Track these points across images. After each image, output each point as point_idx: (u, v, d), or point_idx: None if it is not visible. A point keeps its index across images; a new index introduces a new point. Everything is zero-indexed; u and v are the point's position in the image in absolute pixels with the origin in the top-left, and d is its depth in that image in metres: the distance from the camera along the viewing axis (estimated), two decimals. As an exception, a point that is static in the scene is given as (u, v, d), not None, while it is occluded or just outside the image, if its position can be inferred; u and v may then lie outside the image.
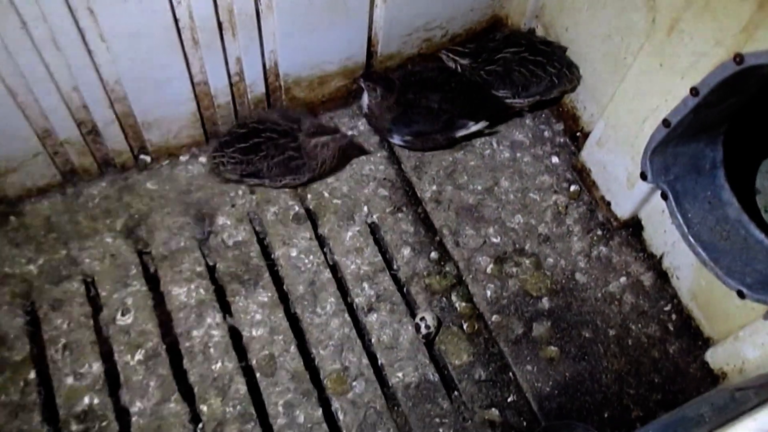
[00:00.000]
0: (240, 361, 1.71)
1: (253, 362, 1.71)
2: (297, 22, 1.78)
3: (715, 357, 1.76)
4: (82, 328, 1.70)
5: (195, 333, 1.73)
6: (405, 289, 1.88)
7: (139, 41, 1.60)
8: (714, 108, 1.63)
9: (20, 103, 1.61)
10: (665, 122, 1.66)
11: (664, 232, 1.85)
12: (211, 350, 1.71)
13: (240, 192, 1.94)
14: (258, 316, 1.77)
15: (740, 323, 1.66)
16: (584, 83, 2.06)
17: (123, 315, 1.72)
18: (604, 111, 1.88)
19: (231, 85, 1.85)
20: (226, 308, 1.78)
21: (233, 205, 1.91)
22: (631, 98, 1.76)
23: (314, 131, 1.83)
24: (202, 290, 1.78)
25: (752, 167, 2.17)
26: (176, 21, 1.61)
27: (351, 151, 2.03)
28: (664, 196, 1.80)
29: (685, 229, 1.77)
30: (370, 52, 2.03)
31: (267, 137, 1.83)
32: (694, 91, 1.56)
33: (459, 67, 2.05)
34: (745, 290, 1.65)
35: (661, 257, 1.92)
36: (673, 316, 1.85)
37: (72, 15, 1.47)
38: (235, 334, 1.75)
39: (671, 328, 1.84)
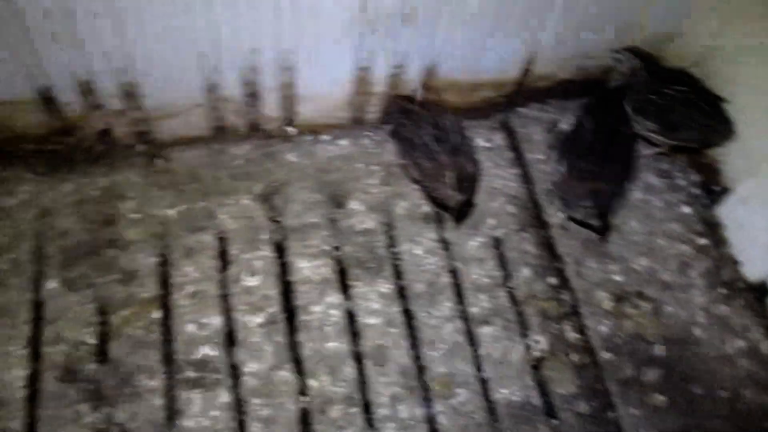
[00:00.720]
0: (353, 345, 1.73)
1: (366, 348, 1.73)
2: (467, 27, 1.80)
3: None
4: (210, 281, 1.75)
5: (314, 308, 1.75)
6: (521, 309, 1.87)
7: (320, 17, 1.64)
8: None
9: (200, 54, 1.66)
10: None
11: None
12: (328, 328, 1.73)
13: (377, 181, 1.96)
14: (376, 305, 1.79)
15: None
16: (736, 138, 2.01)
17: (250, 276, 1.76)
18: (753, 169, 1.84)
19: (392, 76, 1.88)
20: (346, 291, 1.81)
21: (367, 192, 1.94)
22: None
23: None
24: (326, 268, 1.81)
25: None
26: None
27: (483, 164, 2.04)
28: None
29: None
30: (525, 70, 2.04)
31: None
32: None
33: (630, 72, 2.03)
34: None
35: (783, 328, 1.87)
36: (789, 391, 1.80)
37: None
38: (351, 318, 1.77)
39: (783, 398, 1.79)
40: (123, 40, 1.59)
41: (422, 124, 1.88)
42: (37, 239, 1.75)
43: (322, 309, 1.75)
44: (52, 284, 1.70)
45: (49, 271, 1.71)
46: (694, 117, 1.96)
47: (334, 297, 1.78)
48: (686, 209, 2.07)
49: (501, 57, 1.95)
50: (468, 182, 1.89)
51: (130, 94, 1.75)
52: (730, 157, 2.04)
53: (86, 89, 1.71)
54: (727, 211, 1.96)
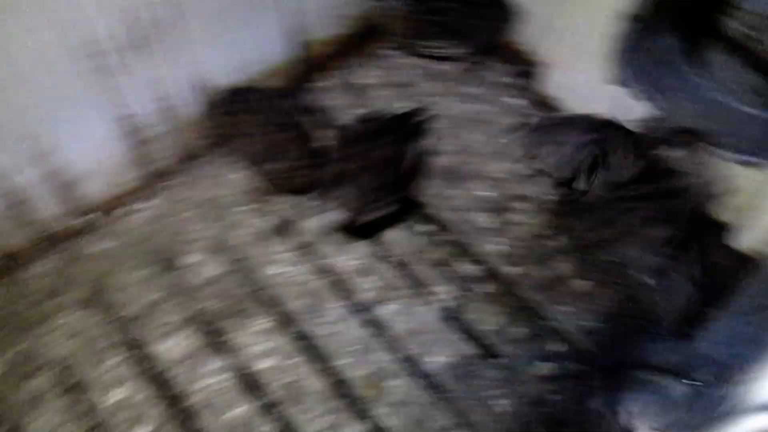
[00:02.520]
0: (258, 400, 1.49)
1: (274, 396, 1.50)
2: (216, 25, 1.63)
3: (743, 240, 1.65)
4: (72, 421, 1.45)
5: (197, 385, 1.50)
6: (411, 269, 1.71)
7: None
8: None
9: None
10: (630, 17, 1.58)
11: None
12: (223, 397, 1.49)
13: (204, 222, 1.74)
14: (262, 347, 1.56)
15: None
16: (527, 16, 1.97)
17: (115, 390, 1.49)
18: (559, 34, 1.78)
19: (159, 111, 1.66)
20: (224, 350, 1.57)
21: (199, 239, 1.71)
22: (584, 5, 1.67)
23: None
24: (190, 339, 1.56)
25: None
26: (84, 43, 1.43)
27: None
28: (646, 98, 1.71)
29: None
30: (301, 43, 1.89)
31: None
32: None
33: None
34: (750, 158, 1.55)
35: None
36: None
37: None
38: (244, 373, 1.54)
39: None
40: None
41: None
42: None
43: (207, 381, 1.51)
44: None
45: None
46: (475, 18, 1.90)
47: (213, 363, 1.53)
48: (520, 101, 1.99)
49: (272, 43, 1.80)
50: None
51: None
52: (529, 36, 1.99)
53: None
54: (552, 85, 1.90)
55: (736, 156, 1.59)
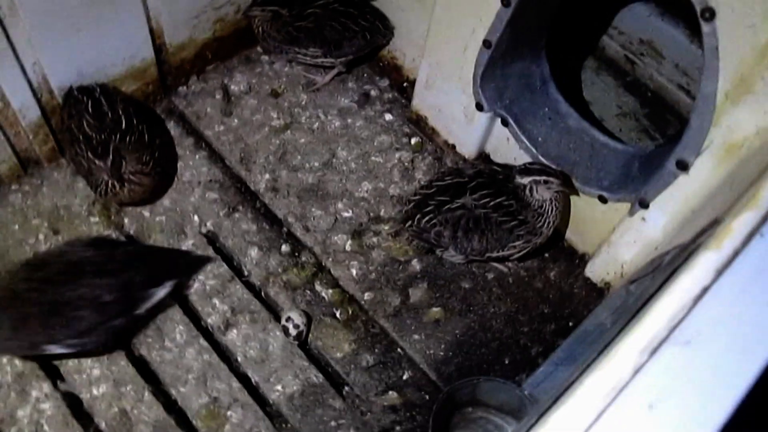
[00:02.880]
0: (86, 429, 1.42)
1: (102, 425, 1.43)
2: (54, 23, 1.51)
3: (594, 270, 1.69)
4: None
5: (20, 413, 1.41)
6: (263, 294, 1.66)
7: None
8: (530, 18, 1.55)
9: None
10: (486, 43, 1.56)
11: (514, 160, 1.75)
12: (45, 428, 1.40)
13: (41, 236, 1.63)
14: (96, 372, 1.48)
15: (609, 229, 1.60)
16: (398, 31, 1.93)
17: None
18: (423, 51, 1.76)
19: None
20: (55, 374, 1.48)
21: (35, 253, 1.61)
22: (447, 28, 1.65)
23: None
24: (16, 362, 1.47)
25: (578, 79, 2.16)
26: None
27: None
28: (505, 123, 1.71)
29: (534, 150, 1.69)
30: (158, 45, 1.78)
31: None
32: (505, 1, 1.47)
33: (277, 16, 1.82)
34: (605, 194, 1.59)
35: (518, 187, 1.83)
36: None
37: None
38: (73, 400, 1.46)
39: (547, 255, 1.75)
40: None
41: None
42: None
43: (30, 409, 1.42)
44: None
45: None
46: (348, 25, 1.85)
47: (41, 388, 1.44)
48: (388, 116, 1.96)
49: (120, 42, 1.68)
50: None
51: None
52: (401, 49, 1.96)
53: None
54: (420, 102, 1.87)
55: (594, 189, 1.61)
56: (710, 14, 1.14)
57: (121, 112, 1.61)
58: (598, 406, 0.54)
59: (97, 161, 1.51)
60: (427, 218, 1.57)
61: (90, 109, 1.58)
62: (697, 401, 0.51)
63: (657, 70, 2.06)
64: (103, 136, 1.55)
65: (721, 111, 1.22)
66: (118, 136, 1.57)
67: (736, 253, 0.59)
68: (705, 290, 0.57)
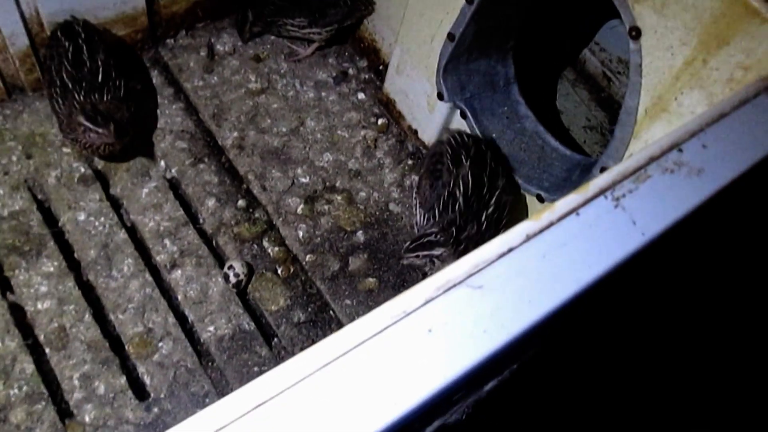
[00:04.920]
0: (25, 339, 1.53)
1: (41, 337, 1.54)
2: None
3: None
4: None
5: (-33, 315, 1.53)
6: (213, 242, 1.77)
7: None
8: (493, 18, 1.63)
9: None
10: (450, 36, 1.66)
11: (468, 151, 1.85)
12: (-11, 331, 1.52)
13: (14, 158, 1.74)
14: (43, 288, 1.59)
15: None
16: (378, 12, 2.02)
17: None
18: (397, 36, 1.85)
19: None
20: (5, 285, 1.59)
21: (6, 173, 1.71)
22: (419, 17, 1.74)
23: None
24: (-28, 270, 1.58)
25: (553, 88, 2.25)
26: None
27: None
28: (463, 115, 1.81)
29: (485, 145, 1.78)
30: (151, -5, 1.89)
31: None
32: (469, -1, 1.56)
33: None
34: (543, 194, 1.68)
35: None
36: (487, 234, 1.87)
37: None
38: (18, 311, 1.57)
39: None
40: None
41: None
42: None
43: (-23, 312, 1.53)
44: None
45: None
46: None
47: (-10, 295, 1.56)
48: (361, 95, 2.05)
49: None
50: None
51: None
52: (380, 32, 2.05)
53: None
54: (390, 85, 1.96)
55: (533, 188, 1.71)
56: (637, 33, 1.23)
57: (100, 64, 1.67)
58: (385, 323, 0.64)
59: (69, 113, 1.59)
60: None
61: (69, 56, 1.65)
62: (471, 334, 0.61)
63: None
64: (78, 87, 1.62)
65: (641, 125, 1.31)
66: (93, 88, 1.64)
67: (550, 225, 0.68)
68: (510, 249, 0.66)
